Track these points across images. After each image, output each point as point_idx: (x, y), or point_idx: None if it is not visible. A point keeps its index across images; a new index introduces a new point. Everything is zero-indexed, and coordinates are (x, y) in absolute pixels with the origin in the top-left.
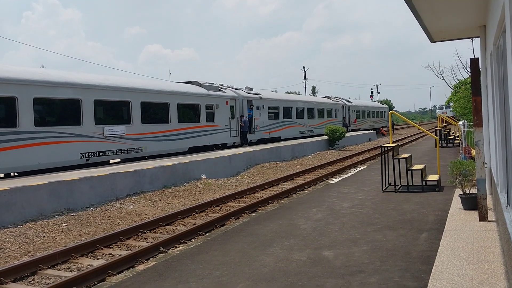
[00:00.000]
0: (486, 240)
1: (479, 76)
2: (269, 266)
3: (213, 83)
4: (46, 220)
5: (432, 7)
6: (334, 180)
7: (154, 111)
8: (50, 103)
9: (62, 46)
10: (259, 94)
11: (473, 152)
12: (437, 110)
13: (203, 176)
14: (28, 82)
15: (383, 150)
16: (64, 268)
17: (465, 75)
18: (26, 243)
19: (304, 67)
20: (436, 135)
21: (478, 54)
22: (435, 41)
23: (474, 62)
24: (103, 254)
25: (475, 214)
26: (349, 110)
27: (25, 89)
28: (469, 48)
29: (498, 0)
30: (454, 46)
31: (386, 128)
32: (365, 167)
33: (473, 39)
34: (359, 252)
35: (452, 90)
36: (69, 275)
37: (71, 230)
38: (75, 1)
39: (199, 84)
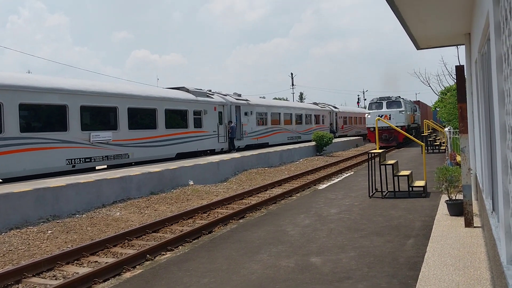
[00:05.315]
0: (472, 246)
1: (464, 83)
2: (257, 273)
3: (201, 89)
4: (32, 227)
5: (418, 15)
6: (322, 186)
7: (141, 117)
8: (36, 109)
9: (48, 51)
10: (247, 100)
11: (459, 158)
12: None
13: (191, 182)
14: (14, 88)
15: (370, 156)
16: (49, 276)
17: (450, 81)
18: (11, 250)
19: (291, 73)
20: (422, 141)
21: (463, 62)
22: (421, 48)
23: (459, 69)
24: (89, 261)
25: (461, 220)
26: (336, 116)
27: (10, 95)
28: (454, 55)
29: (483, 8)
30: (440, 53)
31: None
32: (352, 173)
33: (459, 46)
34: (347, 258)
35: (438, 97)
36: (54, 283)
37: (57, 237)
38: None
39: (187, 90)
